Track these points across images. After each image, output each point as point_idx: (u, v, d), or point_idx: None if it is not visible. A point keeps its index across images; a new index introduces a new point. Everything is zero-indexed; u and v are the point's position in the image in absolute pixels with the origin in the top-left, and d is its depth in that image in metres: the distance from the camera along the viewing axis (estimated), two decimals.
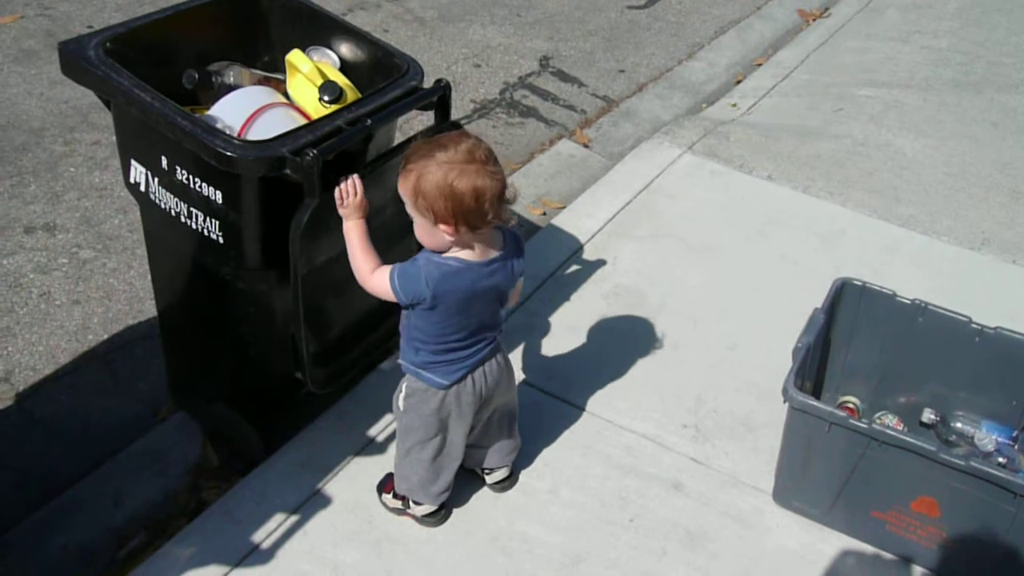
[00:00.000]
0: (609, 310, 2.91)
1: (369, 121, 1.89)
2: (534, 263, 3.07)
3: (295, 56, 2.09)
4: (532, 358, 2.70)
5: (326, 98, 2.02)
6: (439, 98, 2.06)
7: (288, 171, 1.81)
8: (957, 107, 4.44)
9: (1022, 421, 2.34)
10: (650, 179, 3.58)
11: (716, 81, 4.86)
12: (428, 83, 2.12)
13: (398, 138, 2.28)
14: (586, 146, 4.02)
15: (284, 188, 1.86)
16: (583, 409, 2.54)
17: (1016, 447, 2.28)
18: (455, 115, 2.28)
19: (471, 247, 1.81)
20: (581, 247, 3.18)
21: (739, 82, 4.78)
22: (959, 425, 2.38)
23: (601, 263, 3.11)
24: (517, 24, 5.10)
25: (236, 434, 2.41)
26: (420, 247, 1.85)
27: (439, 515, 2.19)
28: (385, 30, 4.76)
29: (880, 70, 4.82)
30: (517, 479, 2.31)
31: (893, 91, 4.56)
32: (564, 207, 3.44)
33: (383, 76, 2.10)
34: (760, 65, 4.98)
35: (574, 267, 3.09)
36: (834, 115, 4.30)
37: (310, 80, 2.07)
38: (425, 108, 2.09)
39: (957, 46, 5.12)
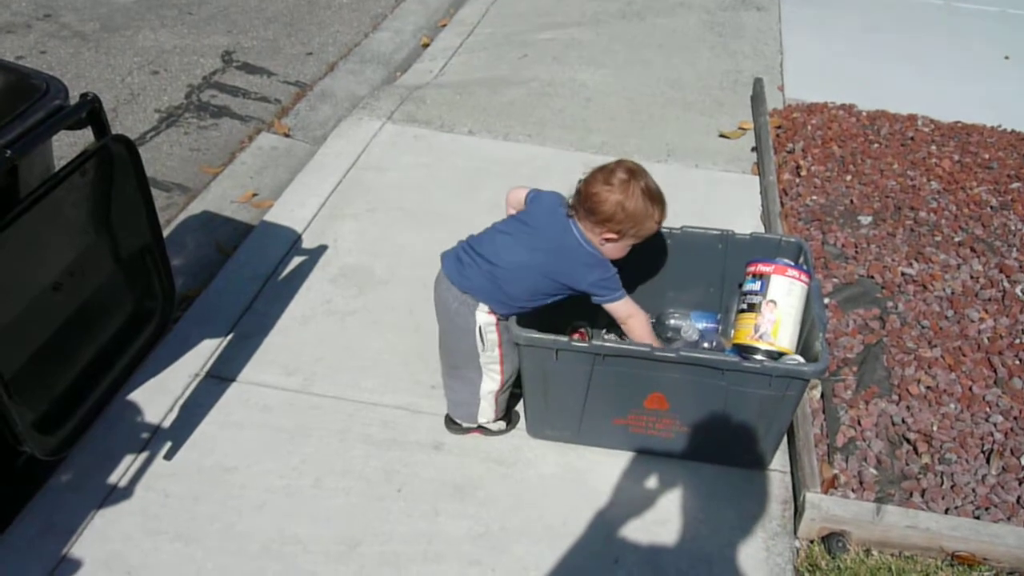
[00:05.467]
0: (338, 293, 2.89)
1: (9, 152, 1.72)
2: (254, 263, 2.98)
3: None
4: (269, 358, 2.62)
5: None
6: (89, 113, 1.91)
7: None
8: (625, 36, 4.80)
9: (723, 303, 2.61)
10: (356, 156, 3.57)
11: (405, 48, 4.91)
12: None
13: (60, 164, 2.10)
14: (287, 135, 3.92)
15: None
16: (333, 397, 2.52)
17: (720, 329, 2.54)
18: (139, 128, 2.13)
19: None
20: (299, 237, 3.12)
21: (426, 46, 4.85)
22: (672, 322, 2.60)
23: (323, 248, 3.07)
24: (190, 23, 4.84)
25: None
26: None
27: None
28: (42, 51, 4.34)
29: (554, 13, 5.09)
30: None
31: (569, 30, 4.84)
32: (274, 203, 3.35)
33: (22, 100, 1.91)
34: (445, 26, 5.09)
35: (296, 259, 3.03)
36: (520, 62, 4.50)
37: None
38: (77, 127, 1.93)
39: None
